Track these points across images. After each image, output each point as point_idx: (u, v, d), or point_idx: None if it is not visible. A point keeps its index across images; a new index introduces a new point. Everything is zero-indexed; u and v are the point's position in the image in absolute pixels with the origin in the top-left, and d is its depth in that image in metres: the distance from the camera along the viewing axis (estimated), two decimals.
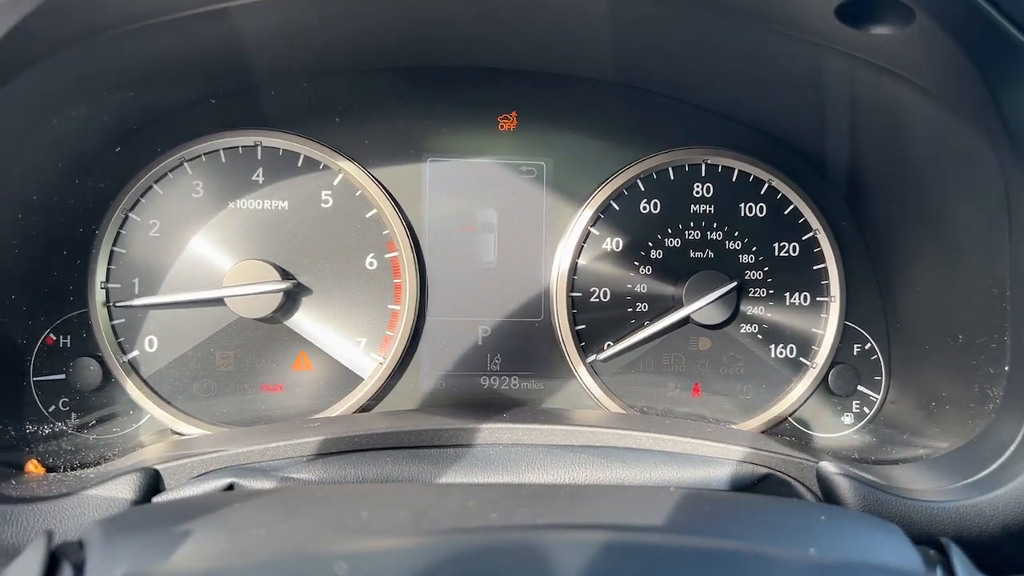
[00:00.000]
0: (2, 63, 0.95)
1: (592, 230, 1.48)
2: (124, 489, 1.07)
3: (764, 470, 1.16)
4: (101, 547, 0.79)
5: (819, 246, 1.51)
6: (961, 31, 0.95)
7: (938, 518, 1.09)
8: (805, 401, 1.52)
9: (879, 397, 1.55)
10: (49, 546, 0.76)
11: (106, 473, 1.13)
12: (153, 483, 1.09)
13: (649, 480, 1.14)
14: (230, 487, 1.09)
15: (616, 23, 1.27)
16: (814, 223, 1.50)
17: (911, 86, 1.14)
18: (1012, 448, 1.14)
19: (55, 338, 1.38)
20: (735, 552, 0.75)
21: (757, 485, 1.16)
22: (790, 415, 1.53)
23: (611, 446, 1.19)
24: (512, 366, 1.50)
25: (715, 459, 1.17)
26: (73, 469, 1.20)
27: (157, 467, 1.11)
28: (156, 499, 1.08)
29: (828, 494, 1.11)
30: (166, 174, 1.39)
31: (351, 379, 1.44)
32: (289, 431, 1.21)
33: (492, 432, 1.19)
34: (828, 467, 1.14)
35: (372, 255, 1.44)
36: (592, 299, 1.49)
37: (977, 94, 1.02)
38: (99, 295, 1.37)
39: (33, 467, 1.19)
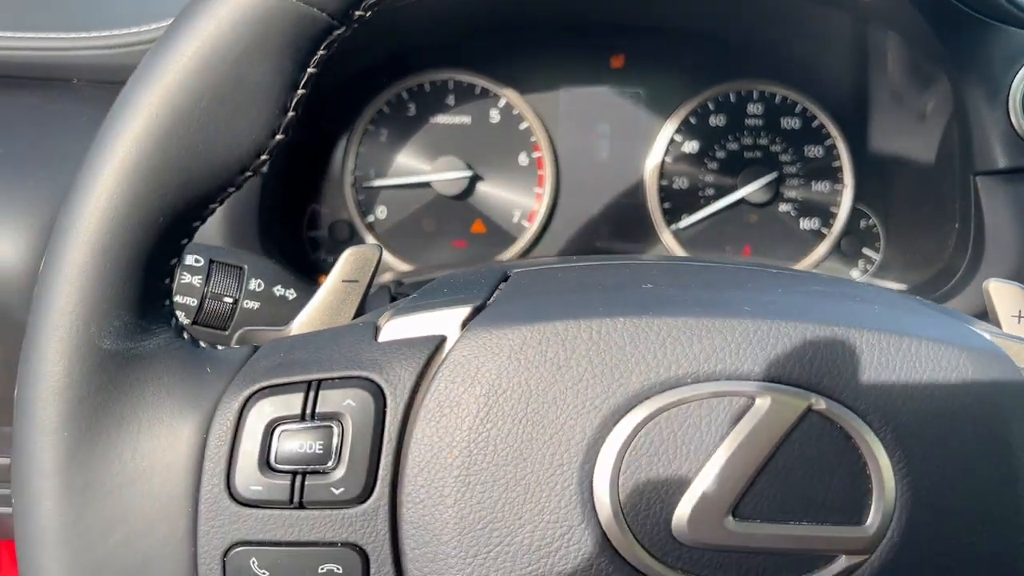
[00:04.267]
0: None
1: (675, 137, 2.13)
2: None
3: None
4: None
5: (836, 149, 2.13)
6: None
7: None
8: (824, 259, 2.16)
9: (878, 258, 2.18)
10: None
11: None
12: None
13: None
14: None
15: None
16: (833, 133, 2.11)
17: (892, 33, 1.76)
18: (957, 276, 1.78)
19: (317, 207, 2.09)
20: None
21: None
22: (813, 270, 2.17)
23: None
24: (618, 235, 2.16)
25: None
26: None
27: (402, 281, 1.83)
28: None
29: None
30: (390, 99, 2.07)
31: (508, 239, 2.12)
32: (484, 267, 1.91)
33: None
34: None
35: (524, 153, 2.11)
36: (674, 187, 2.14)
37: (936, 39, 1.63)
38: (349, 179, 2.07)
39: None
